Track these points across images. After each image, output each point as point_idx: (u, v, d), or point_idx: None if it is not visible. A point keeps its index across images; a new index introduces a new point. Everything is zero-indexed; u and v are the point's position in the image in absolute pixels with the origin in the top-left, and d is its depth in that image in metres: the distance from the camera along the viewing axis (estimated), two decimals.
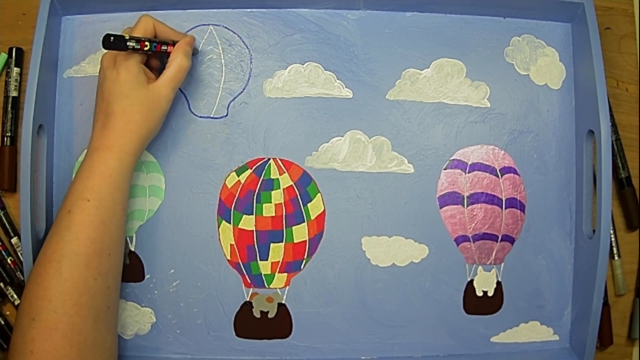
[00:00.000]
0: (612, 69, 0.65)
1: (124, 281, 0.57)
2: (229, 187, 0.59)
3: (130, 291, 0.59)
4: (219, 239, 0.59)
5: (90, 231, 0.49)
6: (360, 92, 0.60)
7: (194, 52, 0.58)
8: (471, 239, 0.60)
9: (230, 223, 0.59)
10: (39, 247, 0.53)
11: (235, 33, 0.60)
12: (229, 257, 0.59)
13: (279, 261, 0.59)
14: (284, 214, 0.59)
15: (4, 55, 0.61)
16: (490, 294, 0.61)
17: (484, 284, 0.61)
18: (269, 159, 0.59)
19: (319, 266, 0.59)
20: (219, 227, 0.59)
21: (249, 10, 0.60)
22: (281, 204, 0.59)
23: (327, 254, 0.59)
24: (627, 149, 0.64)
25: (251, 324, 0.59)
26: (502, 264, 0.61)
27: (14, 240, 0.60)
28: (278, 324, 0.59)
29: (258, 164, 0.59)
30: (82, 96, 0.59)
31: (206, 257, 0.59)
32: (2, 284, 0.59)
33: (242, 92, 0.60)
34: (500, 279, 0.61)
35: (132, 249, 0.59)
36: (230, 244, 0.59)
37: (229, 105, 0.59)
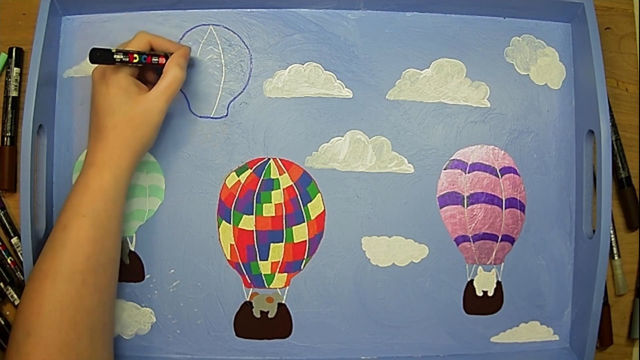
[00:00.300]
0: (612, 69, 0.65)
1: (124, 281, 0.58)
2: (229, 187, 0.59)
3: (130, 291, 0.59)
4: (219, 239, 0.59)
5: (85, 247, 0.48)
6: (360, 92, 0.60)
7: (190, 64, 0.58)
8: (471, 239, 0.60)
9: (230, 223, 0.59)
10: (39, 247, 0.53)
11: (235, 33, 0.60)
12: (229, 257, 0.59)
13: (279, 261, 0.59)
14: (284, 214, 0.59)
15: (4, 55, 0.61)
16: (490, 294, 0.61)
17: (484, 284, 0.61)
18: (269, 159, 0.59)
19: (319, 266, 0.59)
20: (219, 227, 0.59)
21: (249, 10, 0.60)
22: (281, 204, 0.59)
23: (327, 254, 0.59)
24: (627, 149, 0.64)
25: (251, 324, 0.59)
26: (502, 264, 0.61)
27: (14, 240, 0.60)
28: (278, 324, 0.59)
29: (258, 164, 0.59)
30: (82, 96, 0.59)
31: (206, 257, 0.59)
32: (2, 284, 0.59)
33: (242, 92, 0.60)
34: (500, 279, 0.61)
35: (132, 249, 0.59)
36: (230, 244, 0.59)
37: (229, 105, 0.60)
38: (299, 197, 0.59)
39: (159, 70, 0.54)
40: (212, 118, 0.59)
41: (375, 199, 0.60)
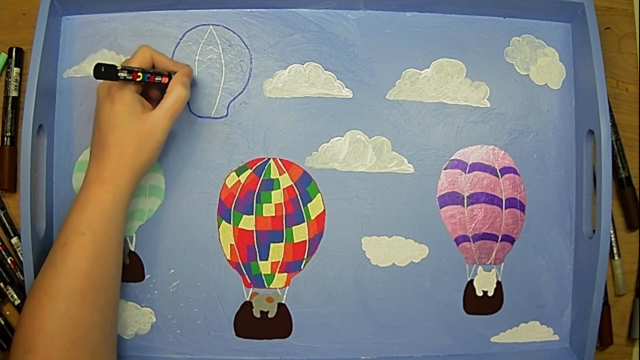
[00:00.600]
0: (612, 69, 0.65)
1: (124, 281, 0.57)
2: (229, 187, 0.59)
3: (130, 291, 0.59)
4: (219, 239, 0.59)
5: (86, 265, 0.48)
6: (360, 92, 0.60)
7: (192, 83, 0.58)
8: (471, 239, 0.60)
9: (230, 223, 0.59)
10: (39, 247, 0.54)
11: (235, 33, 0.60)
12: (229, 257, 0.59)
13: (279, 261, 0.59)
14: (284, 214, 0.59)
15: (4, 55, 0.61)
16: (490, 294, 0.61)
17: (484, 284, 0.61)
18: (269, 159, 0.59)
19: (319, 266, 0.59)
20: (219, 227, 0.59)
21: (249, 10, 0.60)
22: (281, 204, 0.59)
23: (327, 254, 0.59)
24: (627, 149, 0.64)
25: (251, 324, 0.59)
26: (502, 264, 0.61)
27: (14, 240, 0.60)
28: (278, 324, 0.59)
29: (258, 164, 0.59)
30: (82, 96, 0.59)
31: (206, 257, 0.59)
32: (2, 284, 0.59)
33: (242, 92, 0.60)
34: (500, 279, 0.61)
35: (132, 249, 0.59)
36: (230, 244, 0.59)
37: (229, 105, 0.59)
38: (299, 197, 0.59)
39: (161, 87, 0.55)
40: (212, 118, 0.59)
41: (375, 199, 0.60)
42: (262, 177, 0.59)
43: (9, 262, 0.60)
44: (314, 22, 0.60)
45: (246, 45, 0.60)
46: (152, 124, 0.51)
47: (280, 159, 0.59)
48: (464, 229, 0.60)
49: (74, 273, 0.48)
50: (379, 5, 0.60)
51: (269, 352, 0.59)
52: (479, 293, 0.61)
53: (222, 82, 0.59)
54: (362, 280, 0.60)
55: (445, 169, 0.60)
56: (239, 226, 0.59)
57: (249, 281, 0.59)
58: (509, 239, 0.61)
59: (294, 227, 0.59)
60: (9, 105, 0.60)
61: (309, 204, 0.59)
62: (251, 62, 0.60)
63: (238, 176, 0.59)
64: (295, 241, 0.59)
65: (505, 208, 0.61)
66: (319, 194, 0.59)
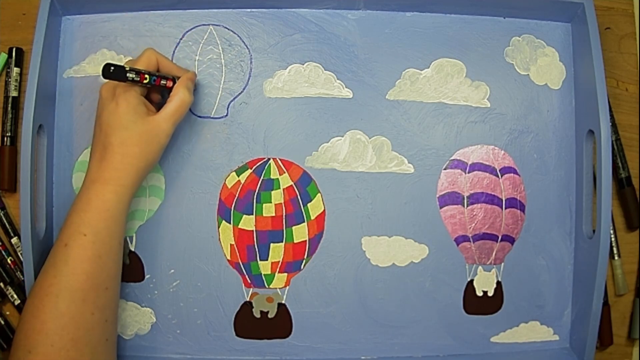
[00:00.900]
0: (612, 69, 0.65)
1: (124, 281, 0.58)
2: (229, 187, 0.59)
3: (130, 291, 0.59)
4: (219, 239, 0.59)
5: (87, 266, 0.48)
6: (360, 92, 0.60)
7: (195, 89, 0.58)
8: (471, 239, 0.60)
9: (230, 223, 0.59)
10: (39, 247, 0.54)
11: (235, 33, 0.60)
12: (229, 257, 0.59)
13: (279, 261, 0.59)
14: (284, 214, 0.59)
15: (4, 55, 0.61)
16: (490, 294, 0.61)
17: (484, 284, 0.61)
18: (269, 159, 0.59)
19: (319, 266, 0.59)
20: (219, 227, 0.59)
21: (249, 10, 0.60)
22: (281, 204, 0.59)
23: (327, 254, 0.59)
24: (627, 149, 0.64)
25: (251, 324, 0.59)
26: (502, 264, 0.61)
27: (14, 240, 0.60)
28: (278, 324, 0.59)
29: (258, 164, 0.59)
30: (82, 96, 0.59)
31: (206, 257, 0.59)
32: (2, 284, 0.59)
33: (242, 92, 0.60)
34: (500, 279, 0.61)
35: (132, 249, 0.59)
36: (230, 244, 0.59)
37: (229, 105, 0.60)
38: (299, 197, 0.59)
39: (162, 91, 0.54)
40: (212, 118, 0.59)
41: (375, 199, 0.60)
42: (262, 177, 0.59)
43: (9, 262, 0.60)
44: (314, 22, 0.60)
45: (246, 45, 0.60)
46: (156, 126, 0.51)
47: (280, 159, 0.59)
48: (464, 229, 0.60)
49: (75, 273, 0.48)
50: (379, 5, 0.60)
51: (269, 352, 0.59)
52: (479, 293, 0.61)
53: (222, 82, 0.59)
54: (362, 280, 0.60)
55: (445, 169, 0.60)
56: (239, 226, 0.59)
57: (249, 281, 0.59)
58: (509, 239, 0.61)
59: (294, 227, 0.59)
60: (9, 105, 0.60)
61: (309, 204, 0.59)
62: (251, 62, 0.60)
63: (238, 176, 0.59)
64: (295, 241, 0.59)
65: (505, 208, 0.61)
66: (319, 194, 0.59)
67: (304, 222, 0.59)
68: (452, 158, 0.61)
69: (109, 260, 0.50)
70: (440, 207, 0.60)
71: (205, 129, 0.59)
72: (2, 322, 0.60)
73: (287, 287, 0.60)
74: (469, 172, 0.61)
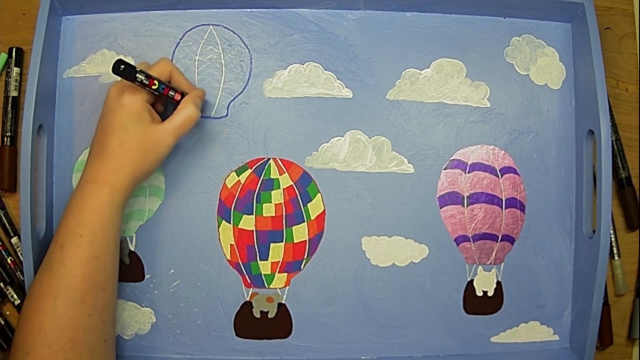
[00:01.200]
0: (612, 69, 0.65)
1: (124, 281, 0.58)
2: (229, 187, 0.59)
3: (130, 291, 0.59)
4: (219, 239, 0.59)
5: (84, 267, 0.48)
6: (360, 92, 0.60)
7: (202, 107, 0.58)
8: (471, 239, 0.60)
9: (230, 223, 0.59)
10: (39, 247, 0.54)
11: (235, 33, 0.60)
12: (229, 257, 0.59)
13: (279, 261, 0.59)
14: (284, 214, 0.59)
15: (4, 55, 0.61)
16: (490, 294, 0.61)
17: (484, 284, 0.61)
18: (269, 159, 0.59)
19: (319, 266, 0.59)
20: (219, 227, 0.59)
21: (249, 10, 0.60)
22: (281, 204, 0.59)
23: (327, 254, 0.59)
24: (627, 149, 0.64)
25: (251, 324, 0.59)
26: (502, 264, 0.61)
27: (14, 240, 0.60)
28: (278, 324, 0.59)
29: (258, 164, 0.59)
30: (82, 96, 0.59)
31: (206, 257, 0.59)
32: (2, 284, 0.59)
33: (242, 92, 0.60)
34: (500, 279, 0.61)
35: (132, 249, 0.59)
36: (230, 244, 0.59)
37: (229, 105, 0.60)
38: (299, 197, 0.59)
39: (167, 104, 0.54)
40: (212, 118, 0.59)
41: (375, 199, 0.60)
42: (262, 177, 0.59)
43: (9, 262, 0.60)
44: (314, 22, 0.60)
45: (246, 45, 0.60)
46: (157, 135, 0.51)
47: (280, 159, 0.59)
48: (464, 229, 0.60)
49: (73, 275, 0.48)
50: (379, 5, 0.60)
51: (269, 352, 0.59)
52: (479, 293, 0.61)
53: (222, 82, 0.59)
54: (362, 280, 0.60)
55: (445, 169, 0.60)
56: (239, 226, 0.59)
57: (249, 281, 0.59)
58: (509, 239, 0.61)
59: (294, 227, 0.59)
60: (9, 105, 0.60)
61: (309, 204, 0.59)
62: (251, 62, 0.60)
63: (238, 176, 0.59)
64: (295, 241, 0.59)
65: (505, 208, 0.61)
66: (319, 194, 0.59)
67: (304, 222, 0.59)
68: (452, 158, 0.61)
69: (106, 261, 0.50)
70: (440, 207, 0.60)
71: (205, 129, 0.59)
72: (2, 322, 0.60)
73: (287, 287, 0.60)
74: (469, 172, 0.61)
